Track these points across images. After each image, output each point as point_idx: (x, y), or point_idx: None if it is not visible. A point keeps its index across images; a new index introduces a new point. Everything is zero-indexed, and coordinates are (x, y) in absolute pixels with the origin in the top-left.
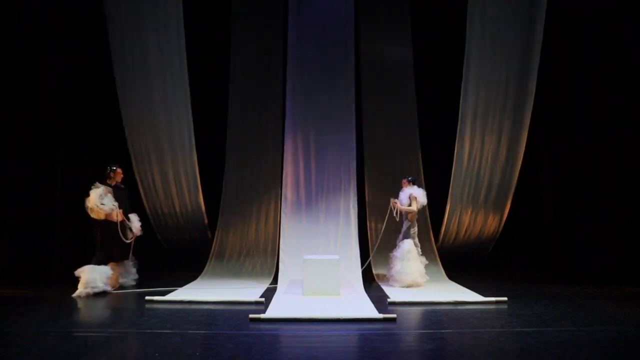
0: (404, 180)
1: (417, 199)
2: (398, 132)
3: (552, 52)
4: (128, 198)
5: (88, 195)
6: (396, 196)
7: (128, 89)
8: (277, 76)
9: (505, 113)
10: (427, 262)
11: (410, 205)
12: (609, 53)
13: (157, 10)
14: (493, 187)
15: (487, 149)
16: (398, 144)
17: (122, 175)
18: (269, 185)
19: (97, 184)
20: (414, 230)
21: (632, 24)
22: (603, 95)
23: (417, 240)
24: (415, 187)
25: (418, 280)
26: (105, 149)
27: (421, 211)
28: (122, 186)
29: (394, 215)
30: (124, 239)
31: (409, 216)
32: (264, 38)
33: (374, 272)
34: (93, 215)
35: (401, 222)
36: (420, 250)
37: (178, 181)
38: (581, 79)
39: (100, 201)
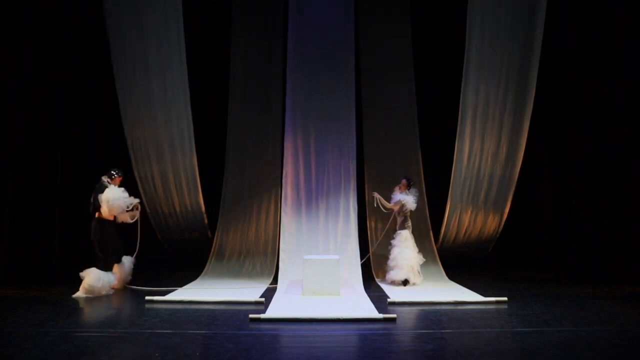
0: (404, 181)
1: (406, 205)
2: (398, 132)
3: (553, 52)
4: None
5: (104, 187)
6: (387, 197)
7: (128, 89)
8: (277, 76)
9: (505, 113)
10: (424, 260)
11: (400, 207)
12: (610, 53)
13: (157, 10)
14: (493, 187)
15: (487, 149)
16: (398, 144)
17: (119, 183)
18: (269, 185)
19: (105, 181)
20: (408, 223)
21: (633, 24)
22: (603, 95)
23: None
24: (408, 191)
25: (415, 268)
26: (106, 149)
27: (421, 211)
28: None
29: (375, 206)
30: (130, 221)
31: (401, 213)
32: (264, 38)
33: (373, 270)
34: (106, 209)
35: (395, 219)
36: (414, 245)
37: (178, 181)
38: (581, 79)
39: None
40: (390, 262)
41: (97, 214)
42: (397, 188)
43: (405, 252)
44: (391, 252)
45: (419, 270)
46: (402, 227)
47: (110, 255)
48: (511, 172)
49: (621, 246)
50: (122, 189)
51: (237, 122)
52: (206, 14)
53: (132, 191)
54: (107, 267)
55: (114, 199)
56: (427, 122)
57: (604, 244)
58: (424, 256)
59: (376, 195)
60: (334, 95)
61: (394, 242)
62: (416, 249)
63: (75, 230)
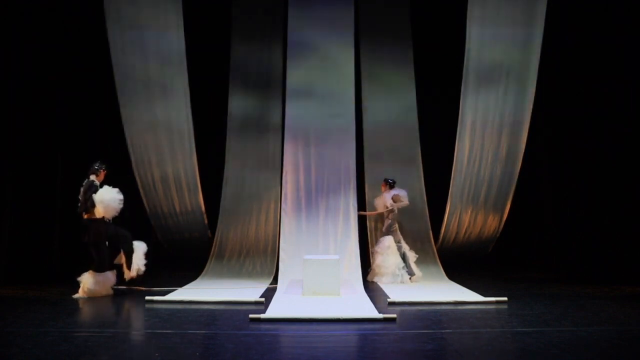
0: (383, 183)
1: (401, 197)
2: (398, 132)
3: (553, 52)
4: None
5: (96, 185)
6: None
7: (128, 89)
8: (277, 76)
9: (505, 113)
10: (417, 256)
11: (395, 201)
12: (610, 53)
13: (157, 10)
14: (493, 187)
15: (487, 149)
16: (398, 144)
17: (104, 176)
18: (269, 185)
19: (94, 179)
20: (395, 227)
21: (633, 24)
22: (603, 95)
23: (399, 234)
24: (394, 190)
25: (396, 272)
26: (106, 149)
27: (421, 211)
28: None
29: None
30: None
31: (390, 215)
32: (264, 37)
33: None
34: (101, 210)
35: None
36: (404, 244)
37: (178, 181)
38: (581, 79)
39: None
40: (374, 268)
41: (87, 215)
42: (384, 193)
43: (385, 260)
44: (375, 259)
45: (410, 267)
46: (388, 232)
47: (104, 257)
48: (511, 172)
49: (621, 246)
50: (117, 190)
51: (237, 122)
52: (206, 14)
53: (132, 191)
54: (101, 268)
55: (110, 200)
56: (427, 121)
57: (604, 244)
58: (423, 256)
59: (362, 213)
60: (334, 94)
61: (376, 248)
62: (409, 250)
63: (75, 230)
